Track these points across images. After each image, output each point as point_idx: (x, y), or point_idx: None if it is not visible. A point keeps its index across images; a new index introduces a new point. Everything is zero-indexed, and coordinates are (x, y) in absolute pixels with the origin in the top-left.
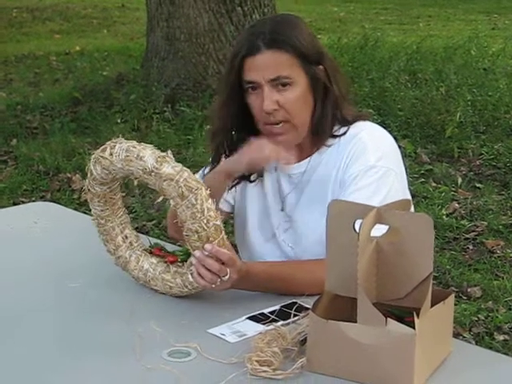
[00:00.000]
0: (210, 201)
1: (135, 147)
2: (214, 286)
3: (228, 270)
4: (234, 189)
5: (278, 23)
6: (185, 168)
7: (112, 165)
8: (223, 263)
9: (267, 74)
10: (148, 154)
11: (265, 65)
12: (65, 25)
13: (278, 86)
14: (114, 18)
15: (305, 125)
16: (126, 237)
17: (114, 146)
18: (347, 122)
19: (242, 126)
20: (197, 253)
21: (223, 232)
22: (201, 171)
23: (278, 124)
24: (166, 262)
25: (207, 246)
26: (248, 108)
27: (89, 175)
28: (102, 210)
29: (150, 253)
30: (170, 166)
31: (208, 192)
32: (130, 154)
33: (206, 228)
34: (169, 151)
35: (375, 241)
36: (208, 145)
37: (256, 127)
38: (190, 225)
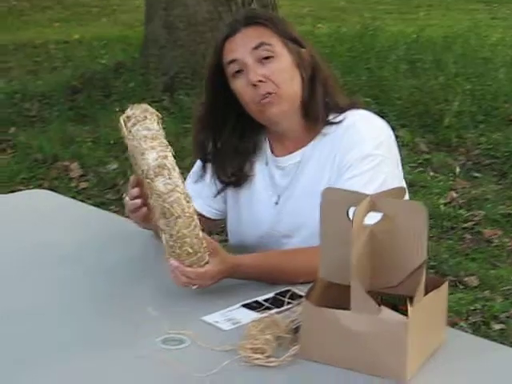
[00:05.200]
0: (189, 229)
1: (146, 141)
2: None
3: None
4: (221, 195)
5: (254, 8)
6: (179, 188)
7: (126, 138)
8: None
9: (249, 44)
10: (150, 159)
11: (245, 38)
12: (64, 13)
13: (261, 59)
14: (114, 6)
15: (295, 97)
16: None
17: (135, 125)
18: (341, 110)
19: (228, 118)
20: (171, 261)
21: (199, 254)
22: (192, 172)
23: (266, 97)
24: None
25: (173, 263)
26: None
27: None
28: None
29: None
30: (164, 183)
31: (189, 220)
32: (138, 147)
33: (178, 250)
34: (170, 158)
35: (369, 229)
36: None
37: (246, 119)
38: (167, 237)
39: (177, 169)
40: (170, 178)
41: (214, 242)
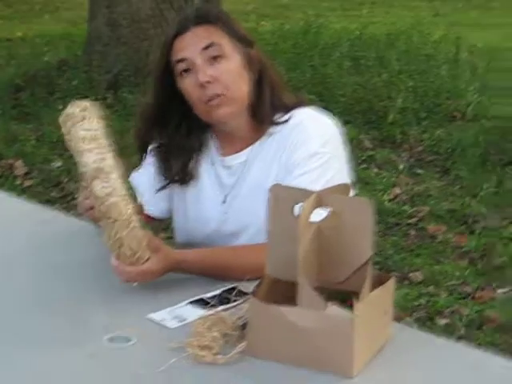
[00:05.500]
0: (126, 231)
1: (84, 142)
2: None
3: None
4: (165, 192)
5: (204, 5)
6: (116, 191)
7: (66, 138)
8: None
9: (199, 44)
10: (88, 162)
11: (195, 38)
12: (6, 11)
13: (211, 59)
14: (57, 3)
15: (244, 98)
16: None
17: (74, 125)
18: (288, 109)
19: (173, 115)
20: (111, 260)
21: (137, 254)
22: (137, 169)
23: (214, 99)
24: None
25: (113, 262)
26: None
27: None
28: None
29: None
30: (101, 186)
31: (125, 223)
32: (76, 148)
33: (117, 251)
34: (108, 160)
35: (316, 225)
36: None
37: (192, 117)
38: (106, 238)
39: (116, 171)
40: (107, 182)
41: (156, 239)
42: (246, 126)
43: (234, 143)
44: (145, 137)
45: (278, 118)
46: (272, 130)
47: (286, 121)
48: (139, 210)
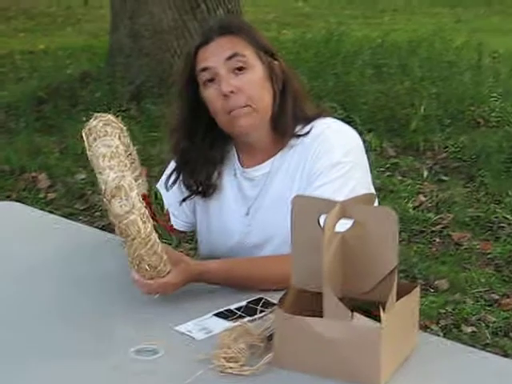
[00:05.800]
0: (145, 248)
1: (104, 160)
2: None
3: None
4: (188, 206)
5: (227, 16)
6: (135, 209)
7: (87, 152)
8: None
9: (222, 54)
10: (108, 179)
11: (219, 48)
12: (29, 23)
13: (235, 70)
14: (78, 15)
15: (267, 110)
16: None
17: (95, 140)
18: (309, 120)
19: (199, 126)
20: (132, 273)
21: (158, 268)
22: (162, 180)
23: (237, 109)
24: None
25: (133, 276)
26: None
27: None
28: None
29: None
30: (120, 204)
31: (145, 240)
32: (96, 164)
33: (136, 267)
34: (128, 178)
35: (340, 235)
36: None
37: (215, 128)
38: (126, 253)
39: (135, 188)
40: (126, 200)
41: (175, 252)
42: (267, 138)
43: (255, 155)
44: (179, 150)
45: (300, 129)
46: (293, 141)
47: (307, 133)
48: (167, 218)
